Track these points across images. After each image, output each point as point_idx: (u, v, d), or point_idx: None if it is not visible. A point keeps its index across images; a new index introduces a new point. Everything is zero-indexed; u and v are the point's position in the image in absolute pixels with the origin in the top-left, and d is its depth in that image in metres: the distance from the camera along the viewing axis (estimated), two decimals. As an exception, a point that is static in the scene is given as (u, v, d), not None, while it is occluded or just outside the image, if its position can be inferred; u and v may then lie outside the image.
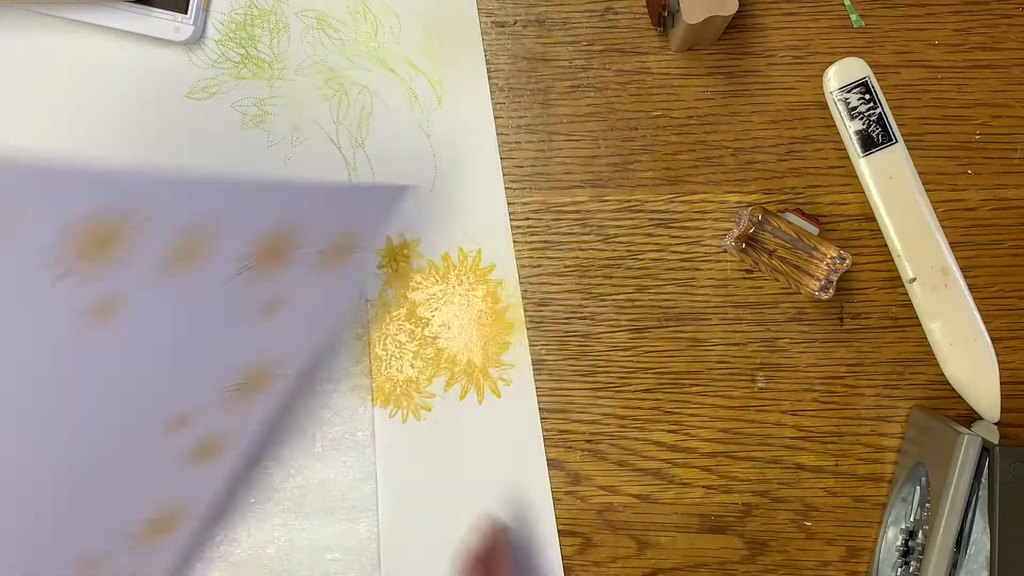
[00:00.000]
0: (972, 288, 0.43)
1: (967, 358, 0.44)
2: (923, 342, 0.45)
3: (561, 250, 0.46)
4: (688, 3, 0.39)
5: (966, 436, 0.39)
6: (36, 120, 0.46)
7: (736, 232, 0.42)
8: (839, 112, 0.43)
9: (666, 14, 0.41)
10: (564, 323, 0.46)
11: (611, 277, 0.46)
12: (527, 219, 0.46)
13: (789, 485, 0.46)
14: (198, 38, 0.46)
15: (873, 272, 0.45)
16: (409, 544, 0.46)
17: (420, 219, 0.46)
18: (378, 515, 0.46)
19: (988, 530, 0.38)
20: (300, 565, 0.46)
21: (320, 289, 0.35)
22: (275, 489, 0.45)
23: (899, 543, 0.43)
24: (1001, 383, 0.44)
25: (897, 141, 0.43)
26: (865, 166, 0.43)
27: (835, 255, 0.41)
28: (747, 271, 0.45)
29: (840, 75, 0.43)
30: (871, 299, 0.45)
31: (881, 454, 0.46)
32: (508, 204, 0.46)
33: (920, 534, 0.42)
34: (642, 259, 0.46)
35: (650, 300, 0.46)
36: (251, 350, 0.34)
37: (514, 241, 0.46)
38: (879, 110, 0.43)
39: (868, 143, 0.43)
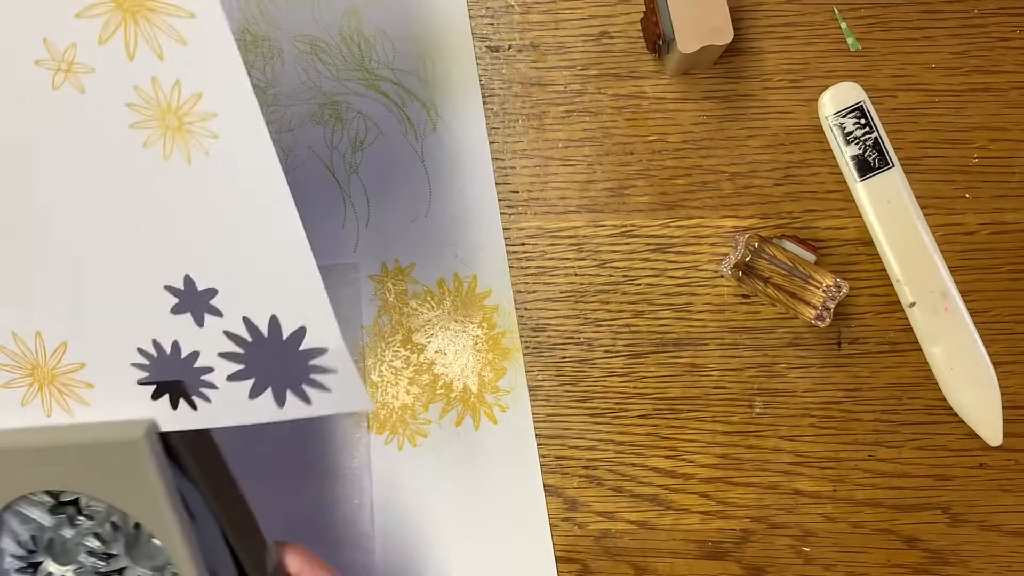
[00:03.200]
0: (970, 312, 0.43)
1: (969, 382, 0.44)
2: (921, 367, 0.45)
3: (557, 275, 0.46)
4: (683, 33, 0.39)
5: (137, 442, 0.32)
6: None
7: (733, 259, 0.42)
8: (835, 137, 0.43)
9: (661, 42, 0.41)
10: (560, 349, 0.46)
11: (607, 302, 0.46)
12: (523, 244, 0.46)
13: (787, 510, 0.46)
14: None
15: (871, 297, 0.45)
16: (406, 571, 0.46)
17: (415, 245, 0.46)
18: (374, 542, 0.46)
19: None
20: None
21: None
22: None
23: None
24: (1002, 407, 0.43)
25: (894, 165, 0.43)
26: (862, 191, 0.43)
27: (831, 283, 0.40)
28: (744, 296, 0.45)
29: (835, 100, 0.42)
30: (869, 324, 0.45)
31: (880, 479, 0.45)
32: (503, 229, 0.46)
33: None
34: (638, 284, 0.45)
35: (647, 325, 0.46)
36: None
37: (510, 267, 0.46)
38: (875, 135, 0.42)
39: (865, 168, 0.43)
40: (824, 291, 0.40)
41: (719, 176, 0.45)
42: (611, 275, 0.45)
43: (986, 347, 0.43)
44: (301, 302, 0.31)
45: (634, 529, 0.46)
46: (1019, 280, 0.44)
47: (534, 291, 0.46)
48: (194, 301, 0.31)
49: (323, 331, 0.31)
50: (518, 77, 0.46)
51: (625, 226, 0.45)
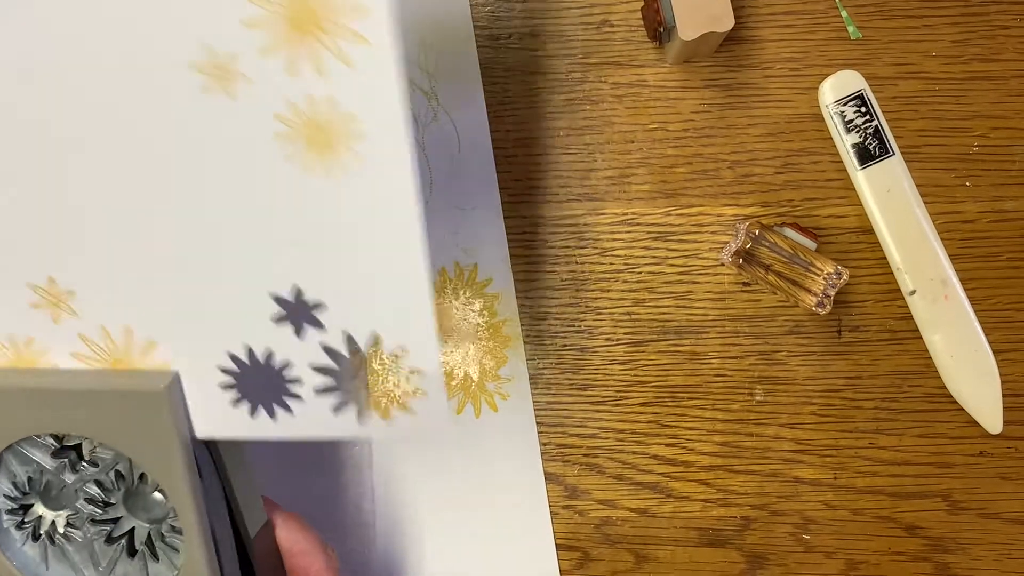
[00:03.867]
0: (971, 300, 0.43)
1: (969, 369, 0.44)
2: (921, 355, 0.45)
3: (558, 264, 0.46)
4: (684, 20, 0.39)
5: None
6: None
7: (733, 247, 0.42)
8: (835, 125, 0.43)
9: (662, 30, 0.41)
10: (561, 337, 0.46)
11: (608, 291, 0.46)
12: (523, 232, 0.46)
13: (787, 498, 0.46)
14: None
15: (871, 285, 0.45)
16: (405, 559, 0.46)
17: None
18: (374, 531, 0.46)
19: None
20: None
21: None
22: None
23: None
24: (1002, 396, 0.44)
25: (894, 154, 0.43)
26: (863, 179, 0.43)
27: (832, 271, 0.40)
28: (745, 284, 0.45)
29: (835, 88, 0.43)
30: (869, 312, 0.45)
31: (880, 467, 0.45)
32: (504, 218, 0.46)
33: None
34: (639, 272, 0.45)
35: (647, 313, 0.46)
36: None
37: (510, 255, 0.46)
38: (875, 123, 0.43)
39: (865, 156, 0.43)
40: (825, 278, 0.40)
41: (720, 164, 0.45)
42: (612, 263, 0.46)
43: (986, 335, 0.43)
44: (408, 323, 0.31)
45: (635, 517, 0.46)
46: (1019, 268, 0.45)
47: (535, 279, 0.46)
48: (299, 312, 0.31)
49: (424, 353, 0.31)
50: (518, 65, 0.46)
51: (626, 214, 0.45)
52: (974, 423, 0.44)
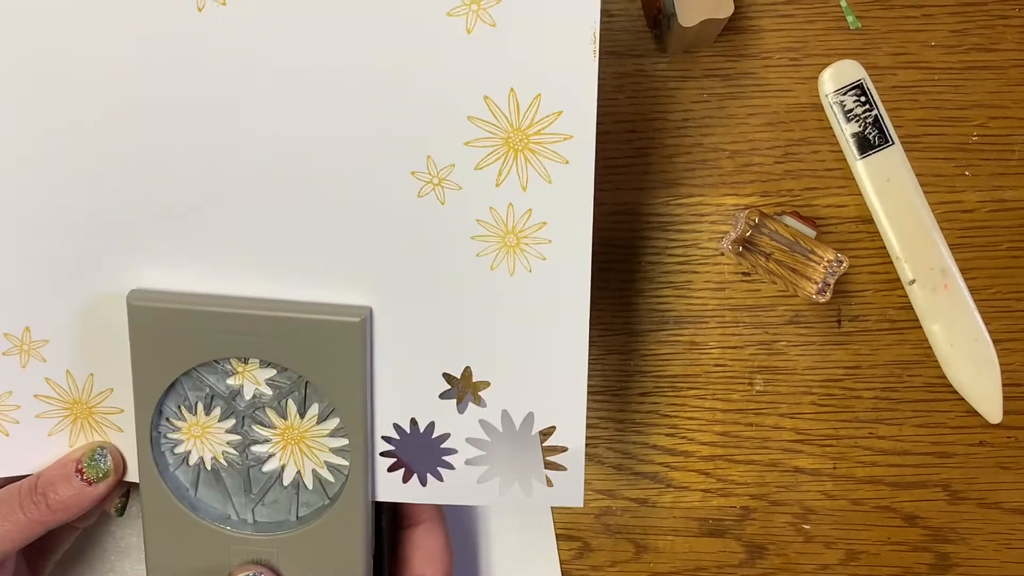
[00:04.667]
0: (970, 289, 0.43)
1: (968, 359, 0.44)
2: (921, 344, 0.45)
3: (558, 254, 0.46)
4: (683, 6, 0.39)
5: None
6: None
7: (733, 235, 0.42)
8: (835, 115, 0.43)
9: (661, 17, 0.41)
10: (561, 327, 0.46)
11: (607, 281, 0.46)
12: (523, 223, 0.46)
13: (787, 488, 0.46)
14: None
15: (871, 275, 0.45)
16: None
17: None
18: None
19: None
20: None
21: None
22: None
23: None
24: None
25: (894, 143, 0.43)
26: (862, 168, 0.43)
27: (832, 258, 0.40)
28: (744, 274, 0.45)
29: (835, 78, 0.43)
30: (869, 301, 0.45)
31: (880, 457, 0.45)
32: (504, 208, 0.46)
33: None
34: (639, 262, 0.46)
35: (647, 303, 0.46)
36: None
37: (510, 245, 0.46)
38: (875, 112, 0.43)
39: (865, 145, 0.43)
40: (825, 266, 0.41)
41: (719, 154, 0.45)
42: (611, 253, 0.46)
43: (986, 324, 0.43)
44: (562, 405, 0.36)
45: (634, 507, 0.46)
46: (1018, 258, 0.45)
47: (535, 269, 0.46)
48: (464, 390, 0.35)
49: (572, 433, 0.36)
50: (519, 56, 0.46)
51: (626, 204, 0.45)
52: (974, 412, 0.44)
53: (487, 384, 0.35)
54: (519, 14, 0.31)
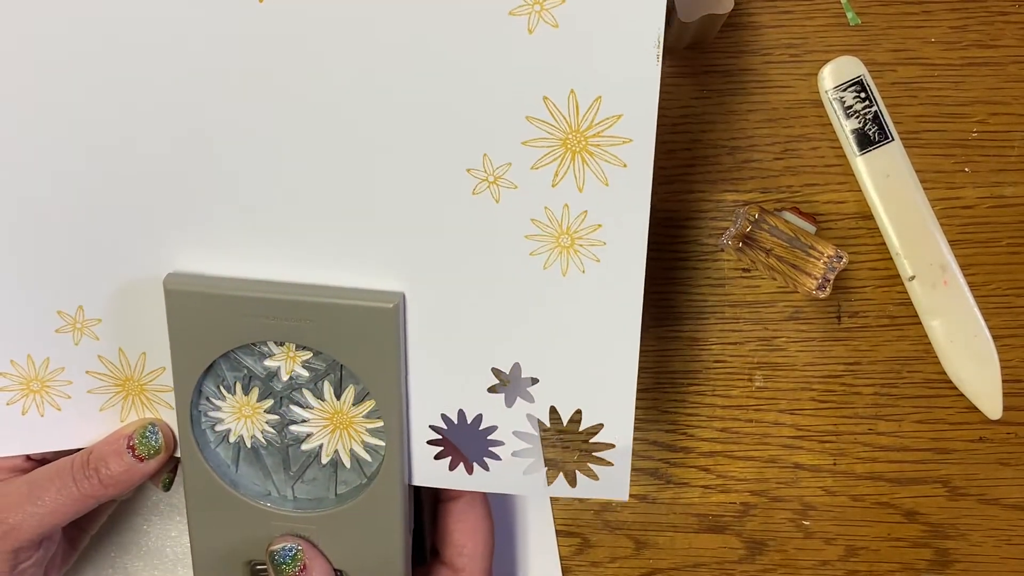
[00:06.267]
0: (970, 285, 0.43)
1: (968, 355, 0.44)
2: (921, 340, 0.45)
3: (558, 250, 0.46)
4: (684, 2, 0.39)
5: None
6: None
7: (733, 231, 0.42)
8: (834, 111, 0.43)
9: (661, 13, 0.41)
10: (561, 323, 0.46)
11: (608, 277, 0.46)
12: (523, 219, 0.46)
13: (787, 484, 0.46)
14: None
15: (870, 271, 0.45)
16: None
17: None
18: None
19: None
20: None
21: None
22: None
23: None
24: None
25: (893, 139, 0.43)
26: (862, 164, 0.43)
27: (832, 254, 0.40)
28: (744, 270, 0.45)
29: (835, 74, 0.43)
30: (868, 297, 0.45)
31: (880, 453, 0.45)
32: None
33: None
34: (639, 258, 0.46)
35: (647, 299, 0.45)
36: None
37: (510, 241, 0.46)
38: (875, 108, 0.43)
39: (864, 141, 0.43)
40: (825, 262, 0.41)
41: (719, 150, 0.45)
42: (611, 249, 0.46)
43: (985, 320, 0.43)
44: (610, 403, 0.36)
45: (634, 503, 0.46)
46: (1018, 254, 0.45)
47: (535, 265, 0.46)
48: (514, 385, 0.36)
49: (619, 431, 0.36)
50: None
51: (625, 200, 0.45)
52: (974, 408, 0.44)
53: (536, 380, 0.35)
54: (582, 16, 0.31)
